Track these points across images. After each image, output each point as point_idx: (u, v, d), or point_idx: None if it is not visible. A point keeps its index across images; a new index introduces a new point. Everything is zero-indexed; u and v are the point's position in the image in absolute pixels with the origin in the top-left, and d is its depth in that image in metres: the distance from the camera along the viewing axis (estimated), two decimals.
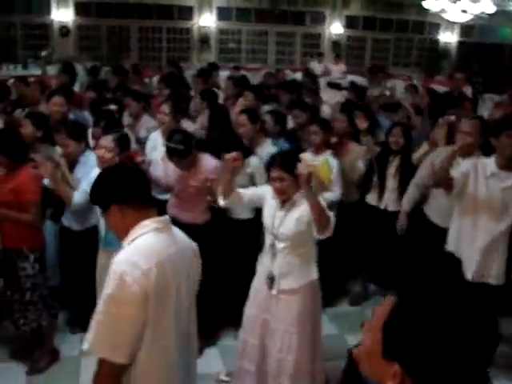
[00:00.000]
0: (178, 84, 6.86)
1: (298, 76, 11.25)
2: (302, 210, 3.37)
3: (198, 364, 4.14)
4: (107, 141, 3.87)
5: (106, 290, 2.16)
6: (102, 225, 4.08)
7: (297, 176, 3.28)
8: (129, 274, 2.12)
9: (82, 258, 4.28)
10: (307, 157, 4.72)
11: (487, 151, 4.08)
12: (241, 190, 3.70)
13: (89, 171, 4.05)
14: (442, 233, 4.24)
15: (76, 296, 4.52)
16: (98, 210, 3.80)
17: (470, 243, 3.91)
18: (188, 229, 4.10)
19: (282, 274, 3.51)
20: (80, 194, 3.93)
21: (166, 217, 2.44)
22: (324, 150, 4.80)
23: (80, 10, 16.08)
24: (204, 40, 16.95)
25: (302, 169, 3.20)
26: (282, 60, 17.66)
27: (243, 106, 5.66)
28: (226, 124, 5.20)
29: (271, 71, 11.01)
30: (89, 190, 3.49)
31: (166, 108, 4.86)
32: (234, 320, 4.50)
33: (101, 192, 2.40)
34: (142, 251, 2.21)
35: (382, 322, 1.24)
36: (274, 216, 3.50)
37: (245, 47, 17.64)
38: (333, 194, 4.66)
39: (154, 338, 2.23)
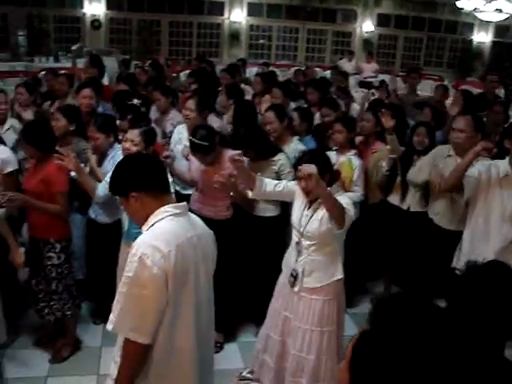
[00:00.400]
0: (207, 79, 6.87)
1: (328, 74, 11.22)
2: None
3: (217, 359, 4.21)
4: (133, 134, 3.88)
5: (127, 272, 2.23)
6: (125, 218, 4.10)
7: (323, 174, 3.32)
8: (149, 256, 2.19)
9: (107, 250, 4.31)
10: (329, 155, 4.76)
11: (501, 153, 4.06)
12: (271, 182, 3.76)
13: None
14: (447, 235, 4.28)
15: (99, 288, 4.58)
16: None
17: (483, 245, 3.88)
18: (210, 224, 4.17)
19: (306, 272, 3.54)
20: (104, 186, 3.94)
21: (184, 203, 2.51)
22: (348, 149, 4.76)
23: (112, 3, 16.27)
24: (234, 36, 16.99)
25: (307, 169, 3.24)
26: (312, 57, 17.61)
27: (270, 102, 5.64)
28: (251, 120, 5.18)
29: (301, 68, 10.99)
30: None
31: (191, 104, 4.86)
32: (254, 317, 4.54)
33: (120, 180, 2.47)
34: (162, 235, 2.29)
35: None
36: (301, 214, 3.54)
37: (275, 44, 17.63)
38: (353, 195, 4.63)
39: (173, 324, 2.30)
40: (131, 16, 16.58)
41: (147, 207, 2.37)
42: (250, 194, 3.75)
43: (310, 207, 3.52)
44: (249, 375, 4.03)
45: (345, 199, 3.43)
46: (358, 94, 9.19)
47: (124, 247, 3.93)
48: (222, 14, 16.99)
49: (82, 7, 16.11)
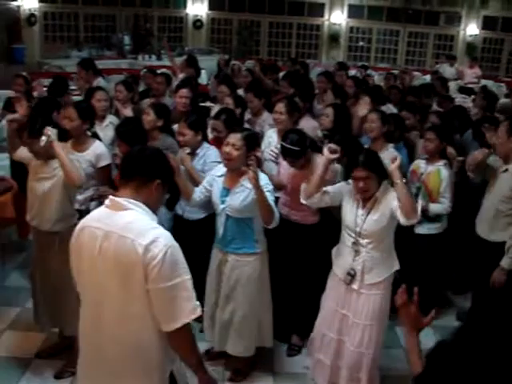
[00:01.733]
0: (300, 82, 6.83)
1: (428, 78, 10.91)
2: (383, 205, 3.49)
3: (294, 363, 4.23)
4: (235, 138, 3.73)
5: None
6: (220, 223, 3.86)
7: (379, 173, 3.46)
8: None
9: (193, 249, 4.27)
10: (418, 164, 4.64)
11: None
12: (324, 189, 3.76)
13: (210, 167, 4.18)
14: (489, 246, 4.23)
15: None
16: (215, 201, 3.83)
17: None
18: (296, 228, 4.18)
19: (366, 269, 3.59)
20: (201, 191, 3.95)
21: (120, 199, 2.38)
22: (438, 159, 4.62)
23: (214, 4, 16.64)
24: (334, 37, 16.89)
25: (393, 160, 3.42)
26: (412, 61, 17.20)
27: (368, 105, 5.45)
28: (348, 125, 5.07)
29: (394, 72, 10.73)
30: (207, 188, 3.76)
31: (281, 107, 4.84)
32: None
33: None
34: (88, 215, 2.50)
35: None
36: (355, 214, 3.58)
37: (374, 46, 17.37)
38: (439, 206, 4.53)
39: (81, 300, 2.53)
40: (232, 16, 16.88)
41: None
42: (303, 200, 3.76)
43: (364, 206, 3.57)
44: None
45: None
46: (457, 100, 8.86)
47: (217, 253, 3.93)
48: (322, 16, 16.95)
49: (185, 8, 16.58)
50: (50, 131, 3.60)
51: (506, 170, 4.21)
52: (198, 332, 4.47)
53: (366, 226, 3.53)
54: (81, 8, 15.51)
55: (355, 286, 3.62)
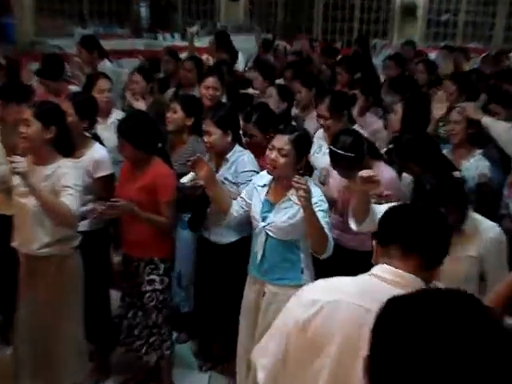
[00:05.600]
0: (360, 68, 6.81)
1: None
2: (474, 244, 3.26)
3: None
4: (282, 142, 3.66)
5: None
6: (258, 244, 3.83)
7: (457, 204, 3.23)
8: None
9: (222, 278, 4.36)
10: None
11: None
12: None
13: (244, 178, 4.20)
14: None
15: (208, 325, 4.63)
16: (255, 217, 3.80)
17: None
18: (352, 256, 4.11)
19: None
20: (238, 206, 3.96)
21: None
22: None
23: None
24: (408, 10, 16.75)
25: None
26: None
27: (442, 101, 5.35)
28: (422, 123, 4.94)
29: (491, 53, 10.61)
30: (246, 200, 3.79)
31: (323, 109, 4.75)
32: None
33: None
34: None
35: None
36: None
37: (463, 20, 17.13)
38: None
39: None
40: None
41: None
42: (353, 226, 3.53)
43: None
44: None
45: None
46: None
47: (252, 282, 3.91)
48: None
49: None
50: (18, 161, 3.46)
51: None
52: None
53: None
54: None
55: None
